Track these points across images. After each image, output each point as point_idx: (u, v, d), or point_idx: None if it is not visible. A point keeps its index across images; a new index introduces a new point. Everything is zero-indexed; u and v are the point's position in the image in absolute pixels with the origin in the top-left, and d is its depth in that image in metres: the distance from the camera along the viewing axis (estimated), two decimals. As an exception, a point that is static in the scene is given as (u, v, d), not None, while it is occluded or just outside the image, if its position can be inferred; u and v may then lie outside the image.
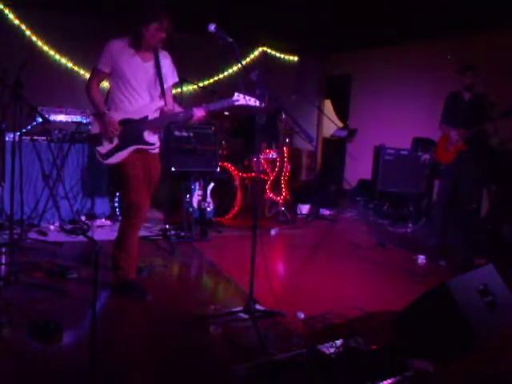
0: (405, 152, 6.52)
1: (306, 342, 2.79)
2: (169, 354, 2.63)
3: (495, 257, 4.38)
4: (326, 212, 6.92)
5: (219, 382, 2.43)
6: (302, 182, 8.57)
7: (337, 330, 2.96)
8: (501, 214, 5.76)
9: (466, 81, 4.93)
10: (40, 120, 4.57)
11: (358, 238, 5.66)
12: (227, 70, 7.96)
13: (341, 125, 8.43)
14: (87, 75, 3.76)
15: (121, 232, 3.45)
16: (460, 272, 3.59)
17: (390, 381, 2.26)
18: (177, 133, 5.08)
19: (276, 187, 6.37)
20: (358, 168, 7.91)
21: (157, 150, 3.52)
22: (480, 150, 4.96)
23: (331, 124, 7.65)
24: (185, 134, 5.11)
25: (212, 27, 2.92)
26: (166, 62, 3.44)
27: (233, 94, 3.22)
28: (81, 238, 4.85)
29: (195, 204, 5.47)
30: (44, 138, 5.18)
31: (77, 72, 6.91)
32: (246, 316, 3.01)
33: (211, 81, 7.89)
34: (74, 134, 5.33)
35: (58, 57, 6.82)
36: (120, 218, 4.99)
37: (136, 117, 3.33)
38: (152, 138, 3.43)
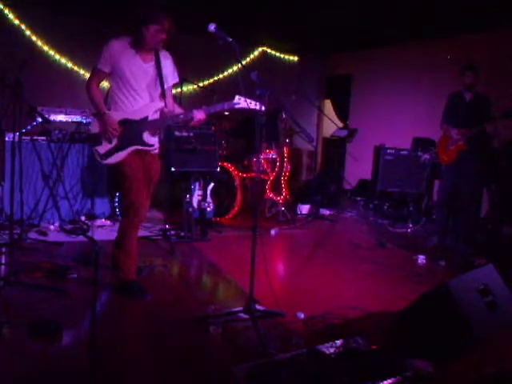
0: (405, 152, 6.52)
1: (306, 342, 2.79)
2: (169, 354, 2.63)
3: (495, 257, 4.38)
4: (326, 212, 6.92)
5: (219, 382, 2.43)
6: (302, 182, 8.58)
7: (337, 329, 2.96)
8: (501, 214, 5.76)
9: (466, 81, 4.94)
10: (40, 120, 4.57)
11: (358, 238, 5.66)
12: (227, 70, 7.97)
13: (341, 125, 8.43)
14: (87, 75, 3.75)
15: (121, 232, 3.45)
16: (460, 272, 3.60)
17: (390, 381, 2.26)
18: (177, 133, 5.09)
19: (276, 187, 6.37)
20: (358, 168, 7.91)
21: (157, 151, 3.52)
22: (480, 150, 4.96)
23: (331, 124, 7.65)
24: (185, 133, 5.11)
25: (212, 27, 2.92)
26: (167, 63, 3.43)
27: (233, 97, 3.21)
28: (81, 237, 4.85)
29: (195, 204, 5.47)
30: (44, 138, 5.18)
31: (77, 72, 6.91)
32: (246, 316, 3.01)
33: (211, 81, 7.89)
34: (74, 134, 5.33)
35: (57, 57, 6.82)
36: (120, 217, 4.99)
37: (136, 117, 3.33)
38: (152, 139, 3.42)
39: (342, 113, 9.07)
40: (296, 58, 8.88)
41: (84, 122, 5.35)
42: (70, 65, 6.90)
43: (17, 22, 6.50)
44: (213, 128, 5.55)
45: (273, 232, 5.63)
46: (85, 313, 3.00)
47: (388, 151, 6.51)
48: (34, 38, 6.62)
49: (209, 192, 5.58)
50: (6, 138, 4.87)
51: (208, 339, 2.83)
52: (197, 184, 5.50)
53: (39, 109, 4.78)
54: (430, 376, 2.39)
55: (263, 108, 3.15)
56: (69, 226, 5.12)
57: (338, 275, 4.24)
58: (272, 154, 6.29)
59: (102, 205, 5.58)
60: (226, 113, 6.24)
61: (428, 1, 5.51)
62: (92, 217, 5.39)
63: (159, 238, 4.98)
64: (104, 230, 5.14)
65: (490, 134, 4.88)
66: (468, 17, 5.95)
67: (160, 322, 3.07)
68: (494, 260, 3.36)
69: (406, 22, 6.45)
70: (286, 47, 8.51)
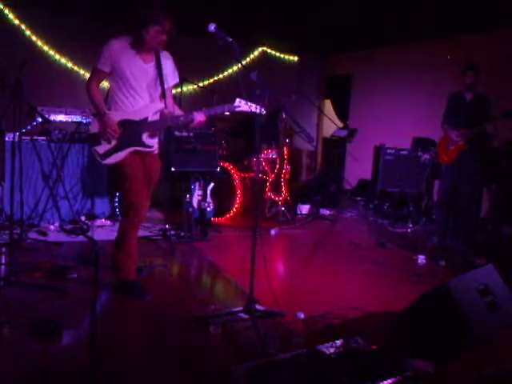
0: (405, 152, 6.52)
1: (306, 342, 2.79)
2: (169, 354, 2.63)
3: (495, 257, 4.38)
4: (326, 212, 6.92)
5: (219, 382, 2.43)
6: (302, 182, 8.58)
7: (337, 329, 2.96)
8: (501, 214, 5.76)
9: (467, 81, 4.94)
10: (40, 120, 4.57)
11: (358, 238, 5.66)
12: (227, 70, 7.97)
13: (341, 125, 8.43)
14: (87, 75, 3.75)
15: (120, 232, 3.45)
16: (460, 272, 3.60)
17: (390, 381, 2.26)
18: (177, 133, 5.09)
19: (276, 187, 6.37)
20: (358, 168, 7.91)
21: (156, 151, 3.52)
22: (480, 150, 4.96)
23: (331, 124, 7.65)
24: (185, 133, 5.11)
25: (212, 27, 2.91)
26: (168, 63, 3.42)
27: (234, 99, 3.20)
28: (81, 238, 4.85)
29: (195, 204, 5.47)
30: (44, 138, 5.18)
31: (77, 72, 6.92)
32: (246, 316, 3.01)
33: (211, 81, 7.89)
34: (74, 134, 5.33)
35: (57, 57, 6.83)
36: (120, 217, 4.99)
37: (136, 118, 3.32)
38: (151, 141, 3.41)
39: (342, 113, 9.07)
40: (296, 58, 8.88)
41: (84, 122, 5.35)
42: (70, 65, 6.90)
43: (17, 21, 6.50)
44: (213, 128, 5.56)
45: (273, 232, 5.63)
46: (85, 313, 3.00)
47: (388, 151, 6.51)
48: (34, 37, 6.63)
49: (209, 192, 5.58)
50: (6, 138, 4.87)
51: (208, 339, 2.83)
52: (197, 184, 5.50)
53: (39, 109, 4.78)
54: (430, 376, 2.39)
55: (264, 111, 3.14)
56: (69, 226, 5.12)
57: (338, 275, 4.24)
58: (272, 154, 6.29)
59: (101, 205, 5.58)
60: (227, 113, 6.23)
61: (428, 1, 5.51)
62: (92, 217, 5.39)
63: (159, 237, 4.98)
64: (104, 230, 5.14)
65: (490, 133, 4.88)
66: (468, 17, 5.95)
67: (160, 322, 3.07)
68: (494, 260, 3.36)
69: (406, 22, 6.45)
70: (286, 47, 8.51)
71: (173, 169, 5.04)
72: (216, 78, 7.95)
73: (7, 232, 3.92)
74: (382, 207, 6.86)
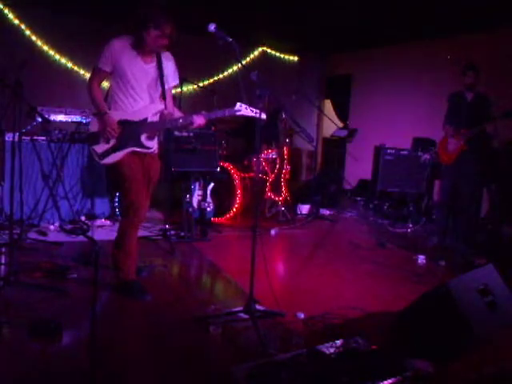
0: (405, 152, 6.52)
1: (306, 342, 2.79)
2: (169, 354, 2.63)
3: (495, 257, 4.38)
4: (326, 212, 6.92)
5: (219, 382, 2.43)
6: (302, 182, 8.58)
7: (337, 329, 2.96)
8: (501, 214, 5.76)
9: (467, 81, 4.94)
10: (40, 120, 4.57)
11: (358, 238, 5.66)
12: (227, 70, 7.97)
13: (341, 125, 8.43)
14: (87, 75, 3.76)
15: (120, 232, 3.45)
16: (460, 272, 3.60)
17: (390, 381, 2.26)
18: (177, 133, 5.08)
19: (276, 187, 6.37)
20: (358, 168, 7.91)
21: (156, 151, 3.51)
22: (480, 150, 4.96)
23: (331, 124, 7.65)
24: (185, 133, 5.11)
25: (212, 27, 2.91)
26: (169, 64, 3.41)
27: (235, 104, 3.19)
28: (81, 237, 4.85)
29: (195, 204, 5.47)
30: (44, 138, 5.18)
31: (77, 72, 6.91)
32: (246, 316, 3.01)
33: (211, 81, 7.90)
34: (74, 134, 5.33)
35: (57, 57, 6.83)
36: (120, 217, 4.99)
37: (135, 118, 3.32)
38: (150, 142, 3.40)
39: (342, 113, 9.07)
40: (296, 58, 8.88)
41: (84, 122, 5.35)
42: (70, 65, 6.90)
43: (17, 21, 6.50)
44: (213, 128, 5.55)
45: (273, 232, 5.63)
46: (85, 313, 2.99)
47: (388, 151, 6.51)
48: (34, 37, 6.63)
49: (209, 192, 5.58)
50: (6, 138, 4.87)
51: (208, 339, 2.83)
52: (197, 184, 5.50)
53: (39, 109, 4.78)
54: (430, 376, 2.39)
55: (264, 116, 3.13)
56: (69, 226, 5.12)
57: (338, 275, 4.24)
58: (272, 154, 6.29)
59: (101, 205, 5.58)
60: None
61: (428, 1, 5.51)
62: (92, 217, 5.39)
63: (159, 238, 4.97)
64: (104, 230, 5.14)
65: (490, 133, 4.88)
66: (468, 17, 5.95)
67: (160, 322, 3.07)
68: (494, 260, 3.36)
69: (406, 22, 6.45)
70: (286, 47, 8.51)
71: (173, 169, 5.03)
72: (216, 78, 7.95)
73: (7, 232, 3.92)
74: (382, 207, 6.86)
